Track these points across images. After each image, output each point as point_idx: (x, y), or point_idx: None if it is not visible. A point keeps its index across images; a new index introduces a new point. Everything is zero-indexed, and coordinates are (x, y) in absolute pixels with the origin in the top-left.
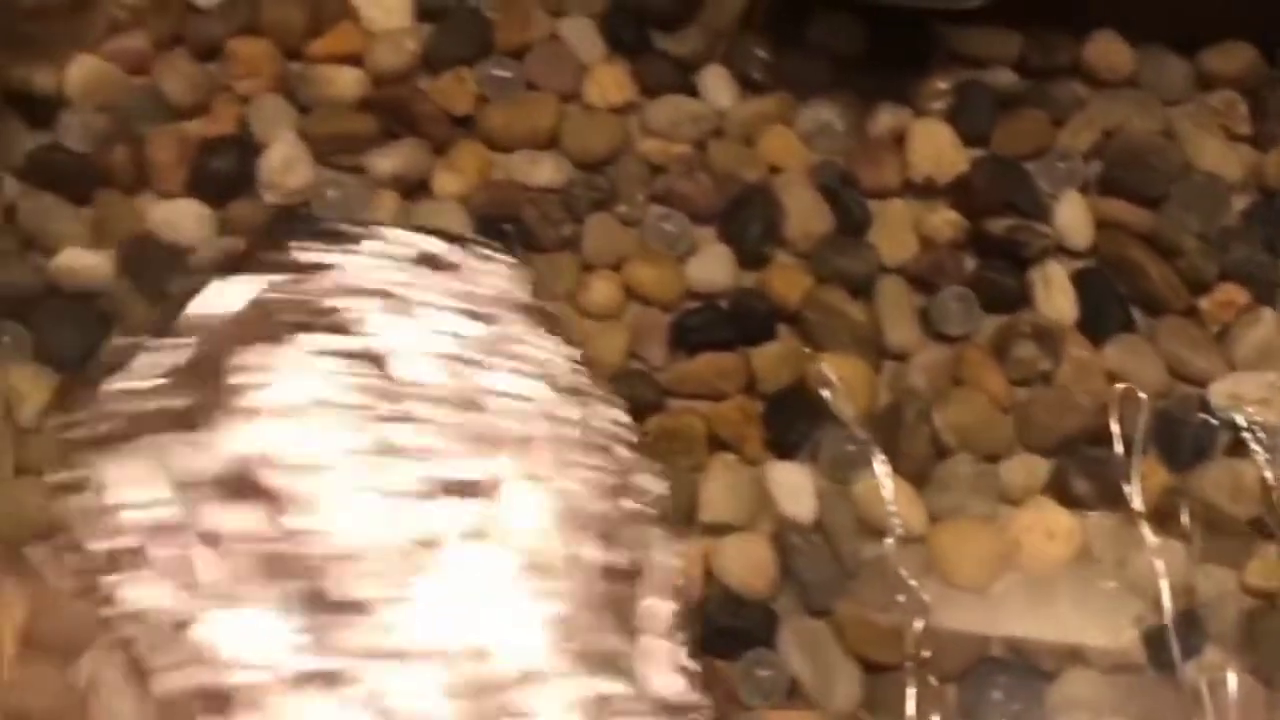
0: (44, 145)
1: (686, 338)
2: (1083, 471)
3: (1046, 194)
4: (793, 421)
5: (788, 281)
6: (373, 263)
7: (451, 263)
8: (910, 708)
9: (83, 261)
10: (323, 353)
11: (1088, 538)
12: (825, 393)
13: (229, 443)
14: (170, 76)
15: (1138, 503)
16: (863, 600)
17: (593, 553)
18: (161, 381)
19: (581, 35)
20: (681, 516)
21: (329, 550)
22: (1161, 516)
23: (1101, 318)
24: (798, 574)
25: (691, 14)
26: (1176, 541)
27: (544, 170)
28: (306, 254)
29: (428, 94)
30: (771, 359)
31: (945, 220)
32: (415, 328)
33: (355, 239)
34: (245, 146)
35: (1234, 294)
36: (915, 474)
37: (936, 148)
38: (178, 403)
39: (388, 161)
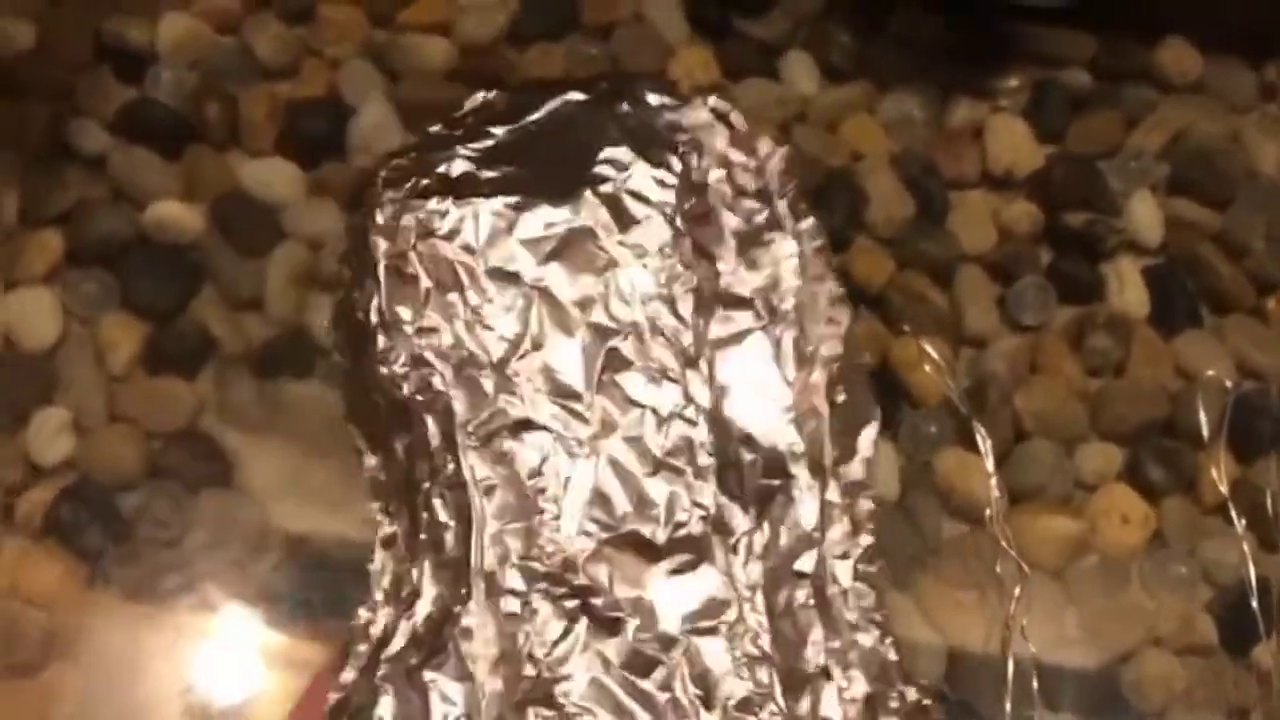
0: (135, 99)
1: None
2: (1157, 459)
3: (1118, 192)
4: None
5: (871, 264)
6: None
7: None
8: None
9: (173, 214)
10: None
11: (1162, 523)
12: (927, 367)
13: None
14: (260, 37)
15: (1221, 488)
16: (945, 576)
17: None
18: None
19: (666, 16)
20: None
21: None
22: (1233, 504)
23: (1171, 312)
24: (882, 549)
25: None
26: (1248, 530)
27: None
28: None
29: (515, 66)
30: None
31: (1023, 212)
32: None
33: None
34: (336, 109)
35: None
36: (996, 456)
37: (1014, 142)
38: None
39: None
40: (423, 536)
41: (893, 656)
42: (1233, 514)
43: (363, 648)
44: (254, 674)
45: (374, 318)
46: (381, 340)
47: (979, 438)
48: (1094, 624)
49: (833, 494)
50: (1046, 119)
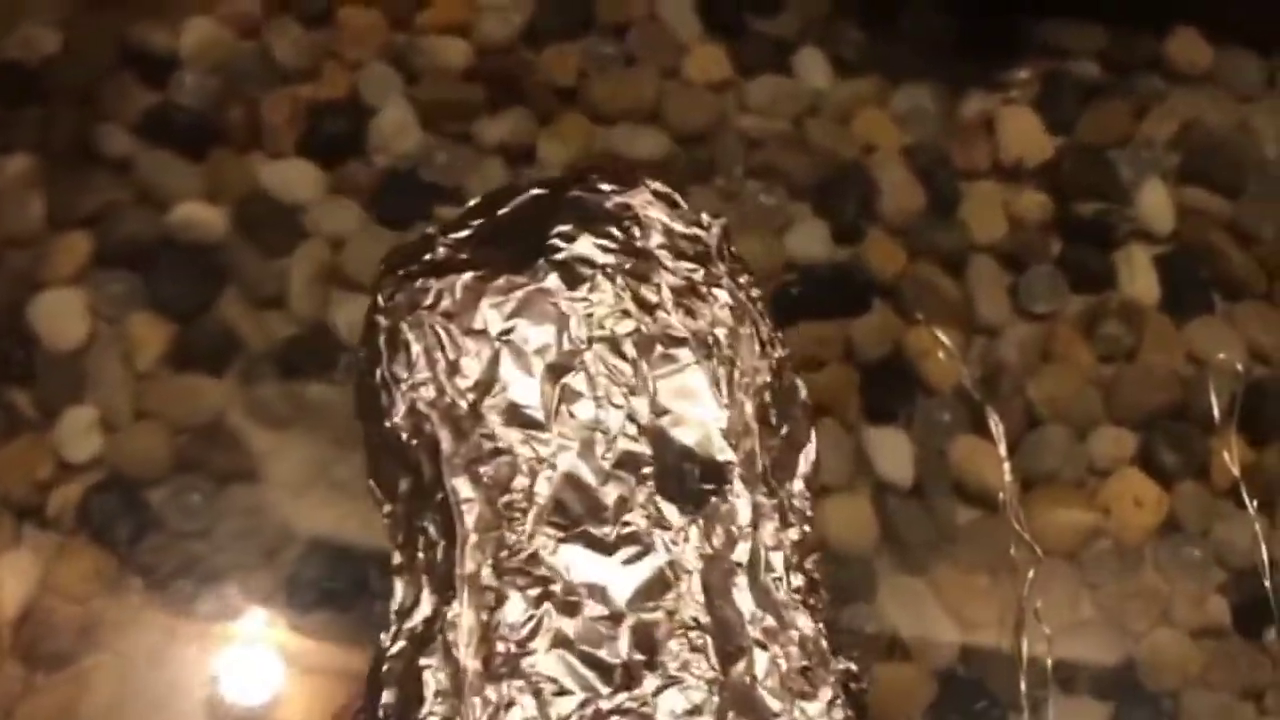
0: (159, 103)
1: (786, 307)
2: (1169, 444)
3: (1129, 181)
4: (890, 390)
5: (884, 255)
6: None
7: None
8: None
9: (197, 215)
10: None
11: (1174, 507)
12: (940, 354)
13: None
14: (280, 41)
15: (1233, 471)
16: (959, 561)
17: None
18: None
19: (679, 14)
20: None
21: None
22: (1245, 488)
23: (1183, 299)
24: (897, 535)
25: None
26: (1261, 513)
27: (645, 143)
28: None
29: (533, 66)
30: (869, 329)
31: (1034, 202)
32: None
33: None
34: (356, 110)
35: None
36: (1009, 443)
37: (1024, 133)
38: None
39: (494, 129)
40: (420, 556)
41: (823, 638)
42: (1245, 497)
43: (371, 662)
44: (279, 663)
45: (379, 380)
46: (384, 398)
47: (992, 424)
48: (1108, 607)
49: (762, 497)
50: (1057, 110)
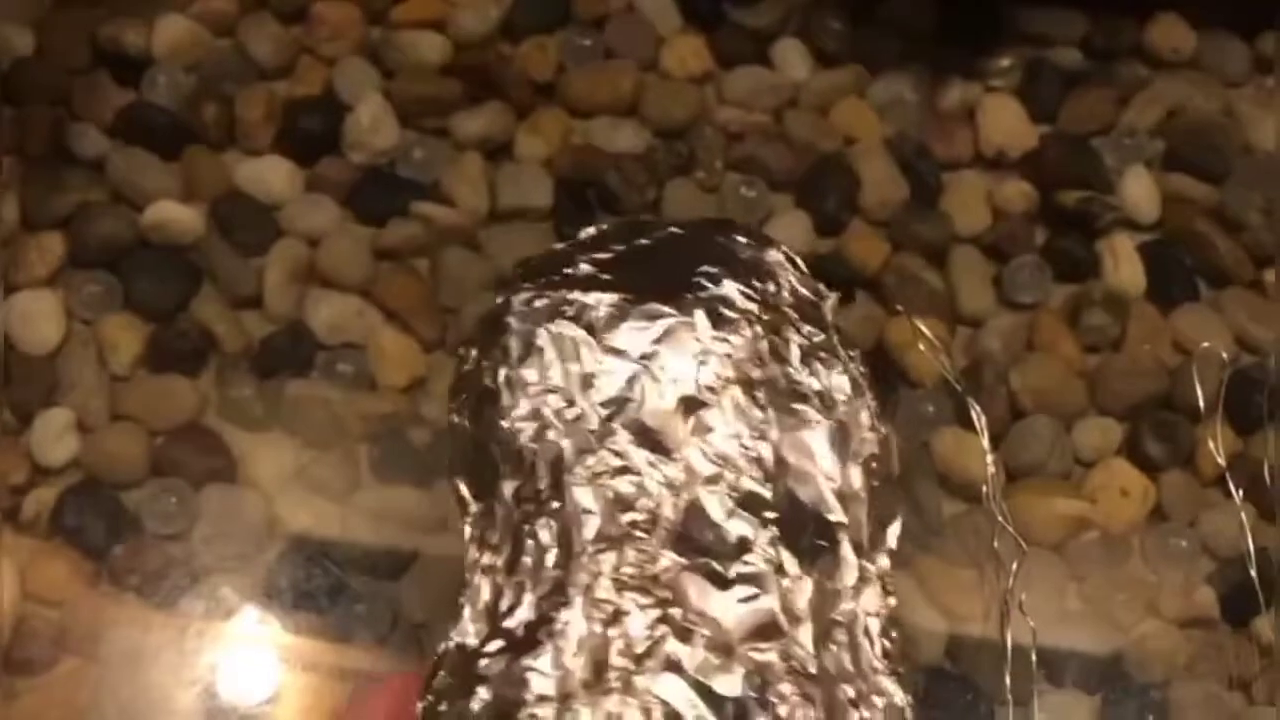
0: (133, 102)
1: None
2: (1155, 434)
3: (1113, 169)
4: (874, 382)
5: (866, 247)
6: None
7: None
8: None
9: (173, 215)
10: None
11: (1161, 497)
12: (921, 346)
13: None
14: (256, 38)
15: (1218, 461)
16: (945, 555)
17: None
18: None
19: (657, 6)
20: None
21: None
22: (1232, 477)
23: (1168, 288)
24: None
25: None
26: (1247, 502)
27: (624, 136)
28: None
29: (510, 60)
30: (852, 322)
31: (1017, 191)
32: None
33: None
34: (332, 107)
35: None
36: (994, 434)
37: (1006, 123)
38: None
39: (472, 124)
40: (526, 559)
41: (909, 709)
42: (1230, 486)
43: (454, 657)
44: (260, 666)
45: (502, 380)
46: (506, 398)
47: (975, 416)
48: (1095, 599)
49: (866, 562)
50: (1039, 98)
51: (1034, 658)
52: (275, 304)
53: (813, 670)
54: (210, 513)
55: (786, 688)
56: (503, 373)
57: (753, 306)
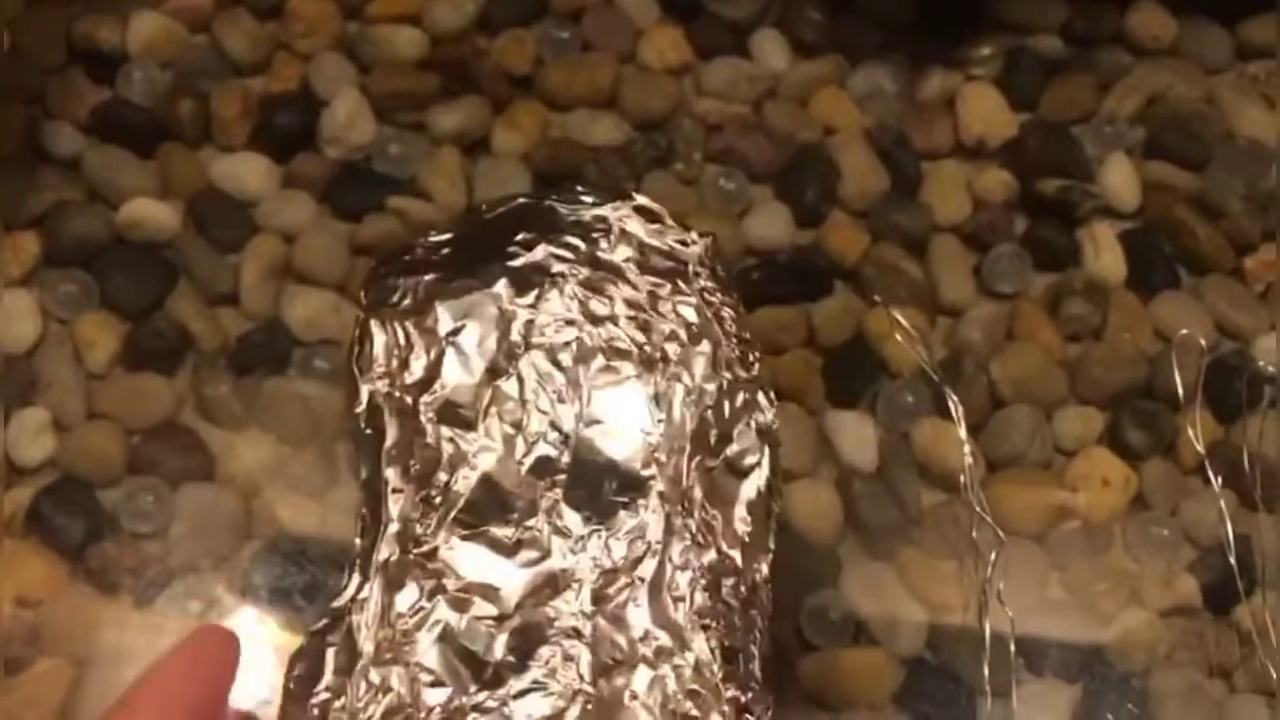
0: (108, 99)
1: (747, 292)
2: (1136, 422)
3: (1093, 157)
4: (853, 374)
5: (845, 239)
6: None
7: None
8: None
9: (148, 213)
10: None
11: (1142, 485)
12: (899, 337)
13: None
14: (231, 34)
15: (1197, 449)
16: (925, 546)
17: None
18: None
19: None
20: None
21: None
22: (1213, 465)
23: (1149, 276)
24: (861, 520)
25: None
26: (1228, 489)
27: (603, 129)
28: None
29: (487, 53)
30: (831, 313)
31: (997, 181)
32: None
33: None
34: (308, 102)
35: (1275, 254)
36: (973, 425)
37: (987, 111)
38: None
39: (448, 119)
40: (356, 541)
41: (716, 664)
42: (1210, 474)
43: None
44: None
45: (351, 372)
46: (352, 389)
47: (952, 406)
48: (1077, 588)
49: (680, 515)
50: (1019, 86)
51: (1012, 648)
52: (252, 301)
53: (584, 630)
54: (187, 511)
55: (548, 650)
56: (351, 364)
57: (564, 268)
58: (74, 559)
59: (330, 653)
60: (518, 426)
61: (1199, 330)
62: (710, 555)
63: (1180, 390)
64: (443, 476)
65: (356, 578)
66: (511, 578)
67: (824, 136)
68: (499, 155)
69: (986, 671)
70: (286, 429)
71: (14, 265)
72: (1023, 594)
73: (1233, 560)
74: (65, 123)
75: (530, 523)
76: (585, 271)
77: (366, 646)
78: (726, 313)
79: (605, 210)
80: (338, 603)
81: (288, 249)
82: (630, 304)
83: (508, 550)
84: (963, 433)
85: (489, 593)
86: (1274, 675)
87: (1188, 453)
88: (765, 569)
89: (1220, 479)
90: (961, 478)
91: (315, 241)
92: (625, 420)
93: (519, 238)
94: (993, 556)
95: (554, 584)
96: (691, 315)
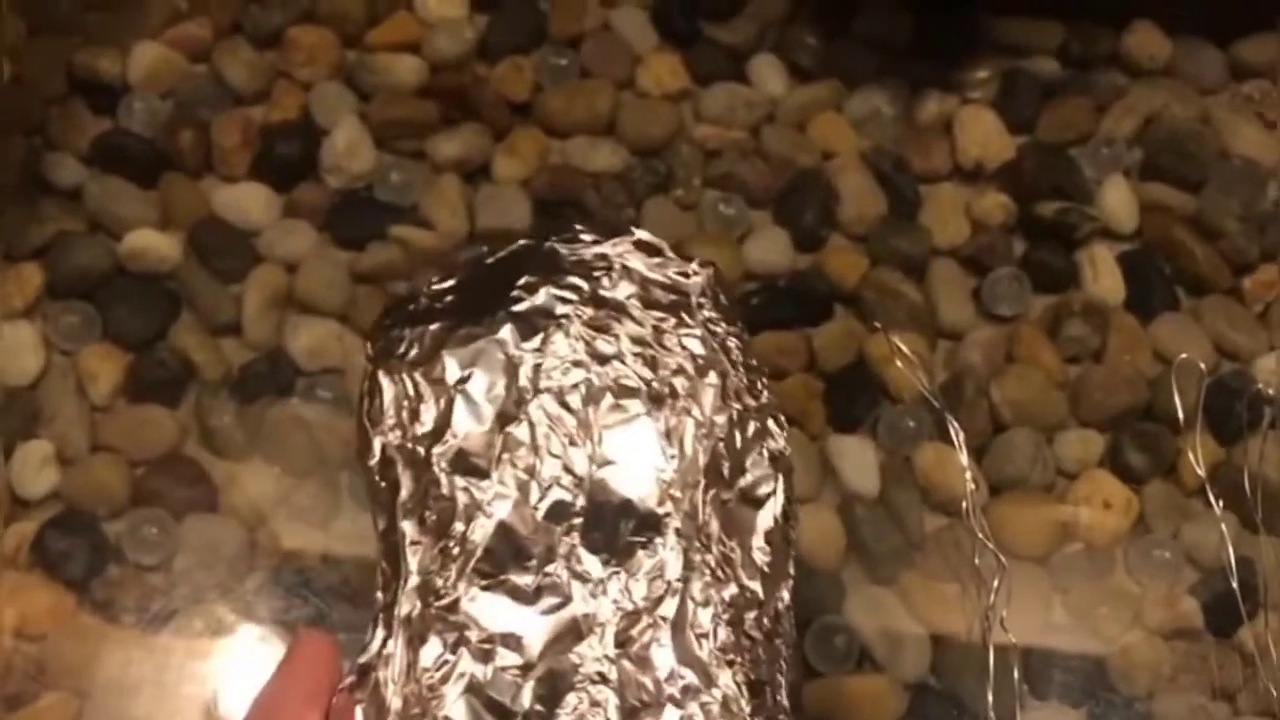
0: (109, 130)
1: (747, 317)
2: (1137, 444)
3: (1091, 179)
4: (854, 398)
5: (845, 263)
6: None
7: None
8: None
9: (150, 243)
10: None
11: (1144, 508)
12: (899, 362)
13: None
14: (231, 64)
15: (1198, 472)
16: (928, 570)
17: None
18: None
19: (634, 25)
20: None
21: None
22: (1214, 487)
23: (1148, 297)
24: (864, 544)
25: (741, 4)
26: (1229, 512)
27: (602, 155)
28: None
29: (486, 81)
30: (831, 338)
31: (995, 203)
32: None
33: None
34: (308, 131)
35: (1274, 274)
36: (974, 448)
37: (984, 134)
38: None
39: (449, 146)
40: (378, 595)
41: (743, 699)
42: (1210, 496)
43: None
44: (243, 696)
45: (362, 424)
46: (364, 441)
47: (953, 431)
48: (1080, 611)
49: (698, 551)
50: (1016, 109)
51: (1016, 674)
52: (254, 331)
53: (610, 675)
54: (192, 542)
55: (574, 697)
56: (361, 416)
57: (568, 309)
58: (79, 591)
59: (359, 710)
60: (531, 472)
61: (1198, 351)
62: (731, 589)
63: (1181, 412)
64: (459, 527)
65: (381, 632)
66: (533, 625)
67: (822, 161)
68: (499, 182)
69: (991, 697)
70: (290, 459)
71: (16, 297)
72: (1025, 617)
73: (1235, 583)
74: (66, 153)
75: (549, 569)
76: (589, 311)
77: (395, 703)
78: (732, 342)
79: (606, 248)
80: (363, 658)
81: (290, 278)
82: (636, 340)
83: (528, 598)
84: (964, 457)
85: (512, 642)
86: (1277, 697)
87: (1189, 475)
88: (787, 596)
89: (1221, 501)
90: (964, 502)
91: (317, 270)
92: (637, 459)
93: (521, 282)
94: (995, 582)
95: (576, 630)
96: (697, 347)
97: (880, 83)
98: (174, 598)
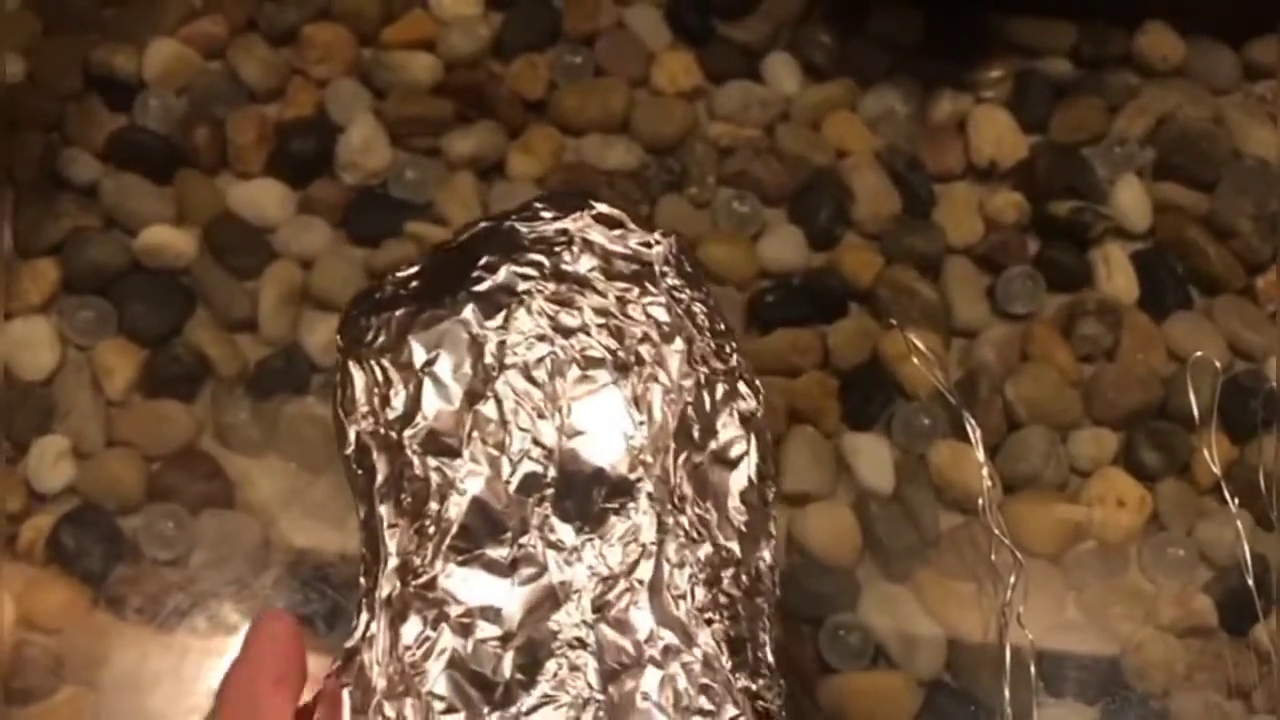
0: (125, 127)
1: (762, 315)
2: (1151, 443)
3: (1104, 179)
4: (869, 396)
5: (859, 261)
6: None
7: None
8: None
9: (166, 239)
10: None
11: (1158, 506)
12: (914, 360)
13: None
14: (246, 61)
15: (1214, 470)
16: (943, 568)
17: None
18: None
19: (647, 23)
20: None
21: None
22: (1228, 485)
23: (1161, 296)
24: (879, 542)
25: (754, 3)
26: (1244, 509)
27: (616, 153)
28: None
29: (501, 79)
30: (846, 335)
31: (1009, 202)
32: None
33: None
34: (324, 128)
35: None
36: (988, 446)
37: (997, 133)
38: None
39: (463, 143)
40: (361, 580)
41: (724, 655)
42: (1226, 494)
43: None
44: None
45: (336, 415)
46: (339, 431)
47: (969, 428)
48: (1094, 609)
49: (670, 514)
50: (1029, 108)
51: (1033, 670)
52: (270, 327)
53: (588, 639)
54: (207, 537)
55: (553, 664)
56: (334, 407)
57: (530, 285)
58: (95, 586)
59: (346, 693)
60: (501, 447)
61: (1211, 351)
62: (706, 549)
63: (1195, 411)
64: (433, 506)
65: (364, 616)
66: (511, 597)
67: (836, 159)
68: (514, 179)
69: (1007, 694)
70: (305, 454)
71: (33, 293)
72: (1040, 615)
73: (1250, 580)
74: (82, 150)
75: (524, 540)
76: (551, 286)
77: (379, 683)
78: (697, 308)
79: (566, 223)
80: (349, 643)
81: (305, 275)
82: (599, 312)
83: (504, 570)
84: (980, 454)
85: (491, 614)
86: None
87: (1203, 473)
88: (769, 555)
89: (1236, 499)
90: (980, 500)
91: (332, 267)
92: (606, 427)
93: (482, 262)
94: (1011, 579)
95: (554, 597)
96: (662, 315)
97: (894, 82)
98: (190, 593)
